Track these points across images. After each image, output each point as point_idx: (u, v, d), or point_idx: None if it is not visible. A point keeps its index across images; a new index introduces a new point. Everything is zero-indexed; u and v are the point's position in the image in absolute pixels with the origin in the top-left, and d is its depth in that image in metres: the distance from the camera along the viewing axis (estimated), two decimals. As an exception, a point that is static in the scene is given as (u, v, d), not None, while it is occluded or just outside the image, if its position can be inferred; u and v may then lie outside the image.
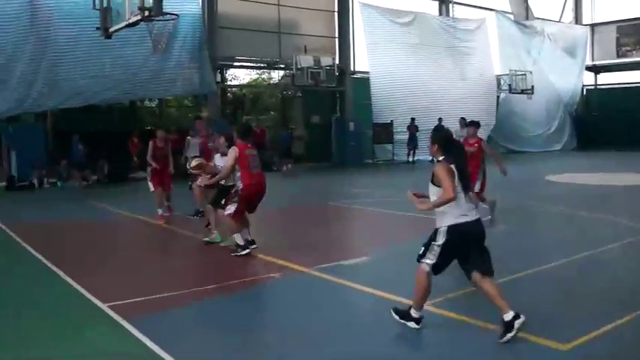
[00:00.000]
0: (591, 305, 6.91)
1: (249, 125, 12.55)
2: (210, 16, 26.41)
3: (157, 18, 11.59)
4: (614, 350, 5.66)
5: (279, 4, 28.56)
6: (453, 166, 5.77)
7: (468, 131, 12.07)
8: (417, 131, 30.54)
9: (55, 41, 22.17)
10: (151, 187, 13.23)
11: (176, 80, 25.00)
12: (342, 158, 29.36)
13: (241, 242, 9.39)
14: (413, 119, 30.51)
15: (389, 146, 30.53)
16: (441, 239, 5.81)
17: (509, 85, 35.36)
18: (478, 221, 5.90)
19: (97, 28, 13.48)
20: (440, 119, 30.29)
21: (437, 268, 5.92)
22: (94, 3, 13.39)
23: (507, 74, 35.65)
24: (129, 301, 7.19)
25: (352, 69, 31.21)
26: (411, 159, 30.37)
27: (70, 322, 6.70)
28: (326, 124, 30.58)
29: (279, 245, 10.69)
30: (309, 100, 30.84)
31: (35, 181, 21.68)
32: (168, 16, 13.23)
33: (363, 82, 30.59)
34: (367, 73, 30.85)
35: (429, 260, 5.86)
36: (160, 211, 13.09)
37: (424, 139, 30.65)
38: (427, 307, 6.29)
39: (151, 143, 13.20)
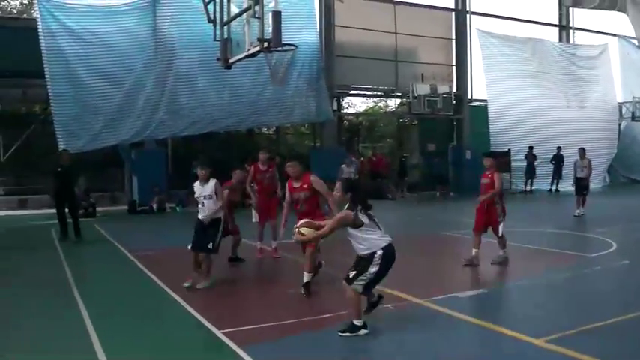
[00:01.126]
0: None
1: None
2: (328, 45, 26.76)
3: (276, 49, 11.81)
4: None
5: (396, 33, 28.64)
6: None
7: (484, 163, 11.67)
8: (535, 160, 29.86)
9: (177, 71, 23.09)
10: (255, 218, 12.68)
11: (293, 108, 25.38)
12: (459, 187, 28.99)
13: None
14: (531, 148, 29.85)
15: (506, 175, 29.93)
16: None
17: (632, 112, 34.05)
18: None
19: (218, 59, 13.81)
20: (559, 148, 29.62)
21: None
22: (215, 35, 13.76)
23: (630, 101, 34.38)
24: (243, 328, 7.27)
25: (470, 97, 30.89)
26: (528, 188, 29.68)
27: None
28: (442, 151, 30.31)
29: (392, 274, 10.58)
30: (426, 128, 30.71)
31: (155, 206, 22.42)
32: (287, 46, 13.49)
33: (481, 110, 30.20)
34: (484, 100, 30.45)
35: None
36: (258, 244, 12.35)
37: (542, 168, 30.03)
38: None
39: (252, 167, 12.50)
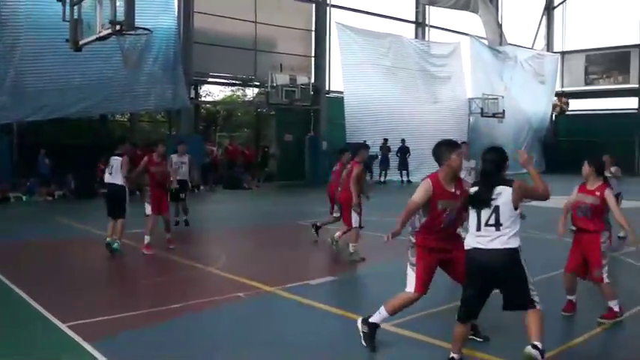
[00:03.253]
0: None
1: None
2: (186, 32, 26.20)
3: (129, 32, 11.44)
4: None
5: (256, 22, 28.47)
6: None
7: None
8: (390, 152, 30.63)
9: (23, 51, 21.57)
10: (148, 210, 12.02)
11: (149, 95, 24.63)
12: (315, 177, 29.28)
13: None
14: (385, 140, 30.59)
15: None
16: None
17: (481, 108, 35.56)
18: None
19: (67, 40, 13.27)
20: (403, 140, 30.67)
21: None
22: (64, 14, 13.21)
23: (479, 98, 35.90)
24: (89, 321, 7.03)
25: (327, 88, 31.21)
26: (382, 179, 30.39)
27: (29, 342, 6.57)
28: (299, 142, 30.50)
29: (245, 264, 10.59)
30: (283, 118, 30.75)
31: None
32: (141, 30, 13.08)
33: (338, 102, 30.54)
34: (342, 92, 30.85)
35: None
36: (146, 239, 11.56)
37: (396, 160, 30.85)
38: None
39: (145, 158, 11.99)
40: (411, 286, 6.09)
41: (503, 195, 5.37)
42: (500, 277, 5.30)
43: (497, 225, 5.32)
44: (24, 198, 21.70)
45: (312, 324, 7.21)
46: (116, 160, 11.35)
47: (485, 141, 37.20)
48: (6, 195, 21.34)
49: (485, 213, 5.38)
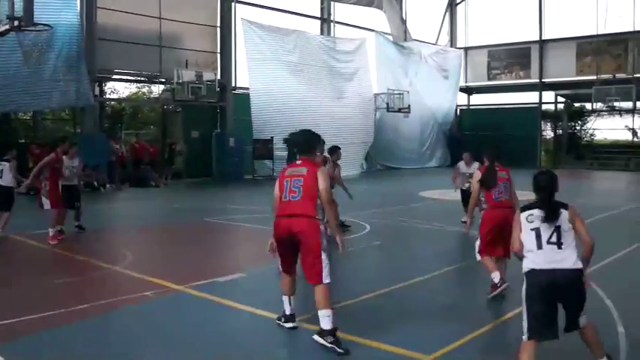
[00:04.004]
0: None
1: None
2: (89, 28, 25.75)
3: (29, 29, 11.22)
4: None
5: (160, 18, 28.15)
6: None
7: None
8: (297, 147, 30.80)
9: None
10: (47, 205, 12.36)
11: (52, 92, 24.17)
12: (223, 174, 29.24)
13: None
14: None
15: (269, 162, 30.60)
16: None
17: (387, 103, 36.09)
18: None
19: (-37, 36, 12.95)
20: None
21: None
22: (-39, 11, 12.87)
23: (385, 93, 36.44)
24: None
25: (234, 85, 31.18)
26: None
27: None
28: (206, 139, 30.35)
29: (152, 262, 10.55)
30: (190, 115, 30.55)
31: None
32: (41, 27, 12.84)
33: (245, 98, 30.56)
34: (248, 89, 30.86)
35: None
36: (51, 231, 12.12)
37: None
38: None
39: (52, 155, 12.39)
40: (327, 278, 6.32)
41: (562, 216, 5.31)
42: (566, 297, 5.18)
43: (559, 244, 5.24)
44: None
45: (221, 321, 7.25)
46: (4, 165, 12.77)
47: (391, 135, 38.11)
48: None
49: (546, 232, 5.27)
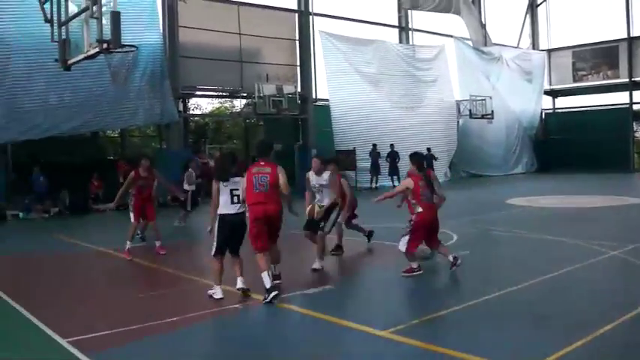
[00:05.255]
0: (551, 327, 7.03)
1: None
2: (172, 46, 26.43)
3: (116, 50, 11.54)
4: None
5: (240, 33, 28.61)
6: None
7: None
8: (380, 158, 30.79)
9: (14, 73, 22.08)
10: (132, 219, 13.08)
11: (137, 110, 24.91)
12: (305, 185, 29.30)
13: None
14: (375, 145, 30.79)
15: (352, 173, 30.58)
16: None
17: (470, 110, 35.68)
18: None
19: (56, 60, 13.37)
20: (392, 145, 30.74)
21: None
22: (52, 35, 13.30)
23: (467, 100, 36.02)
24: (88, 336, 7.09)
25: (314, 96, 31.35)
26: (374, 185, 30.51)
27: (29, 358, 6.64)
28: (289, 151, 30.57)
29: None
30: (272, 128, 30.87)
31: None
32: (128, 47, 13.19)
33: (325, 110, 30.73)
34: (328, 100, 30.99)
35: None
36: (128, 244, 12.61)
37: (385, 165, 30.97)
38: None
39: (132, 174, 12.94)
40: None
41: None
42: None
43: None
44: (21, 215, 21.92)
45: (311, 333, 7.24)
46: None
47: (475, 142, 37.58)
48: (3, 213, 21.50)
49: None
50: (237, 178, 8.83)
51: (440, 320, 7.42)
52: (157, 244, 12.99)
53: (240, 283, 8.75)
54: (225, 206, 8.70)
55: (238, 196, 8.77)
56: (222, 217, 8.72)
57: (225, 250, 8.80)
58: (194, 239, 16.01)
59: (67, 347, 6.71)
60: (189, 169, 18.42)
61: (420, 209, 9.71)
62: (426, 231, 9.83)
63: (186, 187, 18.03)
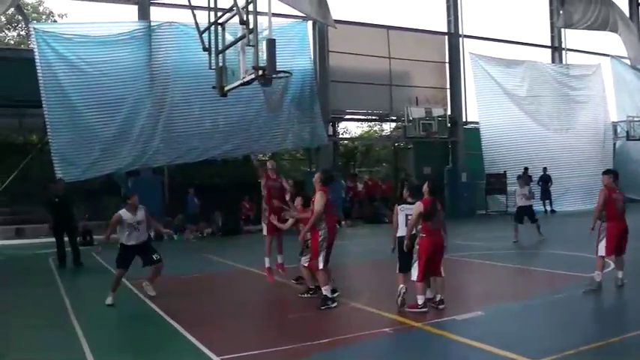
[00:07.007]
0: None
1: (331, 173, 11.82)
2: (322, 71, 26.94)
3: (271, 76, 11.85)
4: None
5: (389, 57, 28.81)
6: None
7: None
8: (531, 181, 29.95)
9: (172, 99, 23.30)
10: (265, 231, 12.43)
11: (287, 134, 25.57)
12: (455, 209, 29.00)
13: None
14: (526, 169, 30.01)
15: (502, 197, 30.00)
16: None
17: (627, 131, 34.15)
18: None
19: (213, 87, 13.88)
20: (544, 169, 29.87)
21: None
22: (210, 63, 13.83)
23: (624, 121, 34.52)
24: (242, 354, 7.26)
25: (464, 119, 31.03)
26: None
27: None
28: (438, 174, 30.35)
29: (390, 298, 10.60)
30: (421, 151, 30.77)
31: (152, 234, 22.24)
32: (282, 73, 13.55)
33: (475, 133, 30.35)
34: (478, 123, 30.59)
35: None
36: (267, 261, 12.23)
37: (538, 190, 30.08)
38: None
39: (263, 179, 12.53)
40: None
41: None
42: None
43: None
44: (175, 236, 22.65)
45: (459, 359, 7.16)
46: None
47: (634, 166, 35.68)
48: (160, 233, 22.37)
49: None
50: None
51: (596, 351, 7.10)
52: (267, 262, 12.24)
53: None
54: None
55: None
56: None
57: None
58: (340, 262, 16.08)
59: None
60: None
61: None
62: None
63: None
